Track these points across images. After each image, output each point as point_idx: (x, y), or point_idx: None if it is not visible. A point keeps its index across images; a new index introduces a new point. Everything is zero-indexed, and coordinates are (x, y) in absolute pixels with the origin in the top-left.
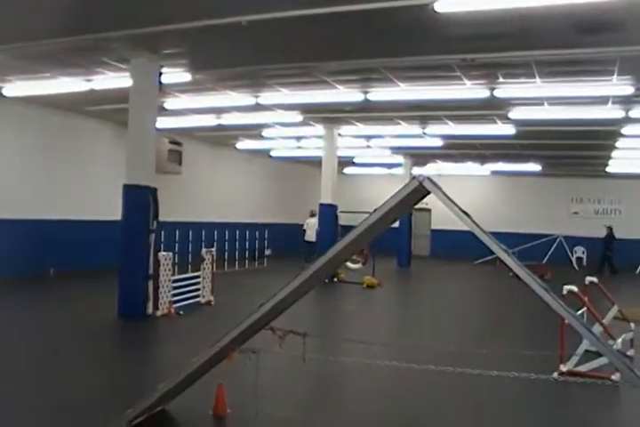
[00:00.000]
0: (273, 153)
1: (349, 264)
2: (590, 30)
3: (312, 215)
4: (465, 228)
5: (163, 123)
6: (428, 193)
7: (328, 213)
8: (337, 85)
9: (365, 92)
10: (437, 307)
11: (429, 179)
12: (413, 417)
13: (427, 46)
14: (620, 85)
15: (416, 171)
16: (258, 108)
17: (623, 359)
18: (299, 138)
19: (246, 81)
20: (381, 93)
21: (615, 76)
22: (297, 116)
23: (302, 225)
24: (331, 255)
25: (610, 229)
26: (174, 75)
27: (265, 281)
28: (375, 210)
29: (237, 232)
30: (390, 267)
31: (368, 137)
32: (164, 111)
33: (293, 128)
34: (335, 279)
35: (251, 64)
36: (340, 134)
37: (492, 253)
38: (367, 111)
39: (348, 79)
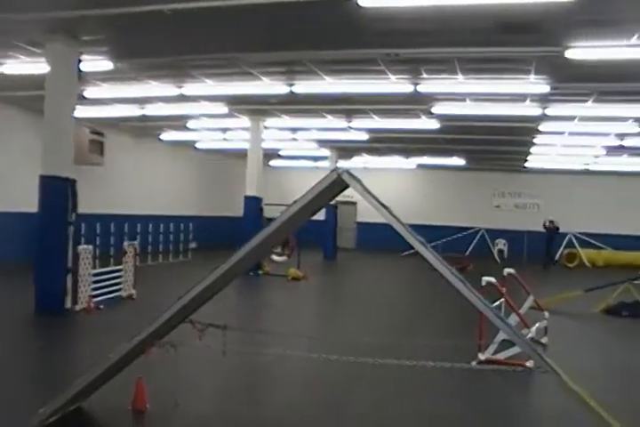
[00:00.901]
0: (198, 145)
1: (274, 257)
2: (509, 30)
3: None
4: None
5: (83, 112)
6: (347, 186)
7: (253, 206)
8: (262, 77)
9: (291, 85)
10: (361, 299)
11: (348, 172)
12: (334, 408)
13: (351, 40)
14: (536, 84)
15: (342, 164)
16: (182, 98)
17: (534, 347)
18: (224, 130)
19: (170, 71)
20: (307, 86)
21: (532, 75)
22: (222, 108)
23: (229, 217)
24: (250, 248)
25: (552, 222)
26: (95, 62)
27: (189, 274)
28: (294, 202)
29: (162, 225)
30: (316, 259)
31: (294, 129)
32: (84, 100)
33: (219, 120)
34: (260, 272)
35: (175, 54)
36: (265, 126)
37: None
38: (293, 104)
39: (273, 71)
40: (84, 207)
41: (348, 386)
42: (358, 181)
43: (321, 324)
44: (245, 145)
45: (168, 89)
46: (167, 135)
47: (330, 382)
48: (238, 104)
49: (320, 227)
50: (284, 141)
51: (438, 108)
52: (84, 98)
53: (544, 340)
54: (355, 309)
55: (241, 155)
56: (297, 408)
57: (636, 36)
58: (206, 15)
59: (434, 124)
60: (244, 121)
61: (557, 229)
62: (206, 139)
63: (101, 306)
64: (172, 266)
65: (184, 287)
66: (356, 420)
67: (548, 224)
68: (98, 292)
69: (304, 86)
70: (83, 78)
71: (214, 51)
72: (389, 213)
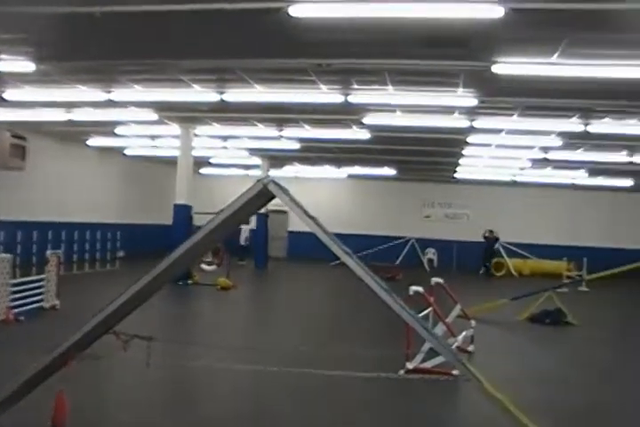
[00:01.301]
0: (127, 151)
1: (204, 266)
2: (437, 44)
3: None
4: None
5: (3, 115)
6: (274, 196)
7: (182, 214)
8: (193, 84)
9: (221, 93)
10: (290, 308)
11: (274, 182)
12: (256, 420)
13: (282, 50)
14: (464, 97)
15: (273, 173)
16: (110, 104)
17: (457, 356)
18: (154, 137)
19: (98, 75)
20: (238, 94)
21: (460, 89)
22: (151, 115)
23: (158, 225)
24: (174, 257)
25: (490, 232)
26: (15, 63)
27: (116, 284)
28: (219, 212)
29: (88, 232)
30: (246, 268)
31: (225, 137)
32: (3, 102)
33: (148, 126)
34: (189, 281)
35: (103, 58)
36: (196, 134)
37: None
38: (224, 112)
39: (203, 78)
40: (2, 214)
41: (272, 397)
42: (284, 191)
43: (249, 334)
44: (175, 152)
45: (95, 94)
46: (94, 141)
47: (254, 394)
48: (168, 111)
49: (251, 236)
50: (215, 149)
51: (369, 119)
52: (4, 100)
53: (470, 348)
54: (283, 318)
55: (171, 162)
56: (219, 421)
57: (556, 55)
58: (137, 19)
59: (365, 135)
60: (175, 128)
61: (497, 239)
62: (135, 145)
63: (21, 317)
64: (98, 275)
65: (110, 297)
66: None
67: (487, 234)
68: (18, 302)
69: (235, 94)
70: (2, 79)
71: (144, 56)
72: (315, 224)
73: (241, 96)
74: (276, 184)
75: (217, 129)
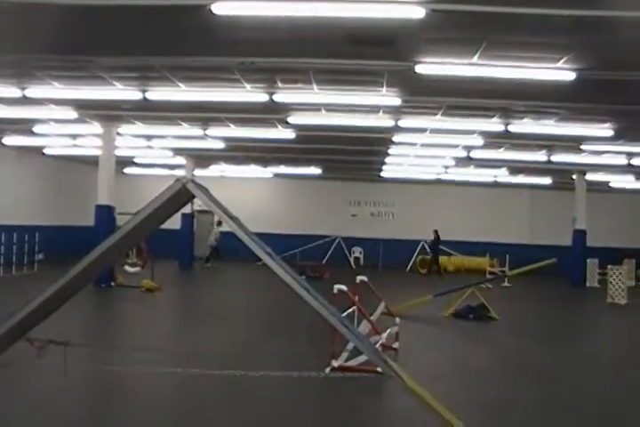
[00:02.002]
0: (47, 151)
1: (127, 268)
2: (360, 43)
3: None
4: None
5: None
6: (194, 196)
7: (105, 215)
8: (114, 82)
9: (144, 91)
10: (216, 309)
11: (193, 181)
12: (185, 424)
13: (205, 48)
14: (388, 96)
15: (198, 172)
16: (26, 101)
17: (378, 353)
18: (75, 136)
19: (11, 71)
20: (161, 93)
21: (385, 88)
22: (71, 113)
23: (80, 227)
24: (91, 259)
25: (436, 232)
26: None
27: (33, 288)
28: (137, 213)
29: (4, 235)
30: (172, 270)
31: (149, 137)
32: None
33: (68, 125)
34: (112, 283)
35: (16, 52)
36: (119, 133)
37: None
38: (147, 110)
39: (125, 76)
40: None
41: (197, 400)
42: (204, 190)
43: (174, 336)
44: (98, 152)
45: (9, 90)
46: (11, 139)
47: (178, 398)
48: (89, 109)
49: (176, 236)
50: (139, 149)
51: (294, 118)
52: None
53: (395, 345)
54: (209, 319)
55: (93, 162)
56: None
57: (476, 56)
58: (52, 12)
59: (290, 134)
60: (96, 127)
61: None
62: (55, 144)
63: None
64: (14, 279)
65: (25, 302)
66: None
67: (434, 234)
68: None
69: (158, 93)
70: None
71: (61, 52)
72: (236, 224)
73: (164, 95)
74: (195, 184)
75: (141, 128)
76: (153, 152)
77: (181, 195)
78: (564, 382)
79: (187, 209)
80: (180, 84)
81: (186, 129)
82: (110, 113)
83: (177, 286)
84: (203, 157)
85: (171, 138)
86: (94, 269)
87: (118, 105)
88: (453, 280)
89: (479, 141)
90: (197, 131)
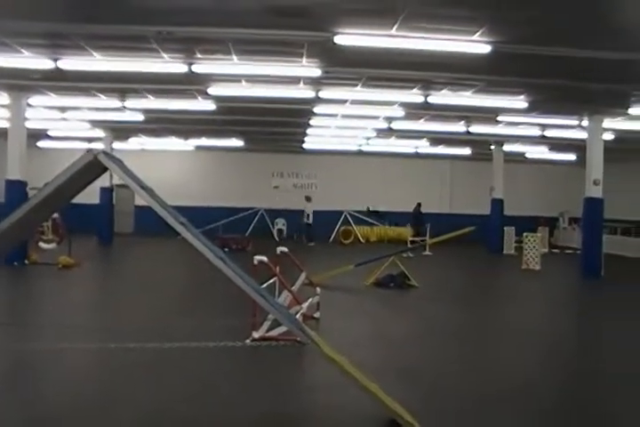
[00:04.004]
0: None
1: (42, 244)
2: (279, 13)
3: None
4: (172, 203)
5: None
6: (107, 168)
7: (16, 191)
8: (22, 49)
9: (56, 60)
10: (137, 284)
11: (105, 153)
12: (106, 397)
13: (120, 16)
14: (309, 67)
15: (117, 145)
16: None
17: (296, 321)
18: None
19: None
20: (74, 62)
21: (305, 59)
22: None
23: None
24: None
25: (418, 204)
26: None
27: None
28: (45, 185)
29: None
30: (91, 245)
31: (63, 108)
32: None
33: None
34: (26, 261)
35: None
36: (29, 104)
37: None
38: (60, 80)
39: (35, 43)
40: None
41: (122, 375)
42: (117, 162)
43: (91, 312)
44: (6, 124)
45: None
46: None
47: (90, 372)
48: None
49: (95, 211)
50: (53, 121)
51: (214, 89)
52: None
53: (317, 315)
54: (128, 294)
55: (3, 134)
56: (60, 406)
57: (395, 27)
58: None
59: (210, 105)
60: (3, 97)
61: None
62: None
63: None
64: None
65: None
66: (119, 411)
67: (415, 206)
68: None
69: (71, 62)
70: None
71: None
72: (150, 196)
73: (78, 64)
74: (108, 155)
75: (54, 99)
76: (68, 124)
77: (93, 167)
78: (479, 345)
79: (106, 183)
80: (94, 53)
81: (103, 100)
82: (19, 82)
83: (96, 262)
84: (121, 130)
85: (87, 110)
86: (1, 246)
87: (27, 74)
88: (377, 250)
89: (400, 113)
90: (115, 102)
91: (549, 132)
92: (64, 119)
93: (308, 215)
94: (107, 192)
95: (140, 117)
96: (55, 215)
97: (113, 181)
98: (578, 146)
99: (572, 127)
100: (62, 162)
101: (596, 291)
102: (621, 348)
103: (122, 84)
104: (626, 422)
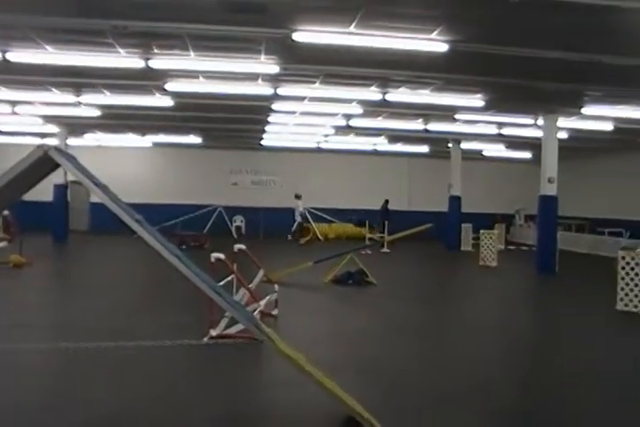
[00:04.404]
0: None
1: None
2: (235, 9)
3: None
4: (129, 201)
5: None
6: (58, 164)
7: None
8: None
9: (4, 52)
10: (91, 283)
11: (56, 148)
12: (58, 398)
13: (74, 8)
14: (267, 64)
15: (72, 141)
16: None
17: (252, 319)
18: None
19: None
20: (25, 55)
21: (263, 55)
22: None
23: None
24: None
25: (386, 201)
26: None
27: None
28: None
29: None
30: (44, 243)
31: (14, 102)
32: None
33: None
34: None
35: None
36: None
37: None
38: (10, 73)
39: None
40: None
41: (63, 374)
42: (69, 158)
43: (43, 311)
44: None
45: None
46: None
47: (42, 373)
48: None
49: (49, 208)
50: (3, 115)
51: (171, 85)
52: None
53: (275, 312)
54: (83, 293)
55: None
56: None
57: (353, 25)
58: None
59: (167, 102)
60: None
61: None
62: None
63: None
64: None
65: None
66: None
67: (383, 203)
68: None
69: (22, 55)
70: None
71: None
72: (103, 192)
73: (29, 57)
74: (59, 150)
75: (3, 93)
76: (20, 119)
77: (44, 163)
78: (438, 342)
79: (60, 179)
80: (46, 46)
81: (57, 95)
82: None
83: (49, 261)
84: (76, 125)
85: (39, 104)
86: None
87: None
88: (335, 247)
89: (358, 110)
90: (70, 97)
91: (506, 131)
92: (15, 114)
93: (301, 213)
94: (61, 189)
95: (96, 113)
96: (6, 213)
97: (67, 178)
98: (533, 144)
99: (527, 126)
100: (13, 157)
101: (551, 286)
102: (579, 344)
103: (77, 79)
104: (586, 418)
